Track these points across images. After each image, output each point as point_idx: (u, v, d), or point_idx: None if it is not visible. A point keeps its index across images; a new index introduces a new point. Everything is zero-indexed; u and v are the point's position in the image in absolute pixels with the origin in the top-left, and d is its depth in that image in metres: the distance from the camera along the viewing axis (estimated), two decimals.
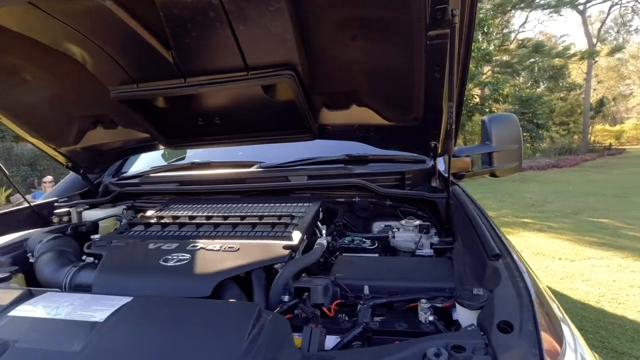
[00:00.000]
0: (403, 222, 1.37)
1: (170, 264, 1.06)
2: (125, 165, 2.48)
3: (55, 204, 1.97)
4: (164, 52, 1.26)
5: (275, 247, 1.13)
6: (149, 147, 2.01)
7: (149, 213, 1.60)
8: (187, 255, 1.10)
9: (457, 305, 0.79)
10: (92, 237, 1.43)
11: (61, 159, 1.95)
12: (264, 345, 0.68)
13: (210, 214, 1.51)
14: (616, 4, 21.44)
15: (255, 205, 1.62)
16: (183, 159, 2.70)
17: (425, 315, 0.84)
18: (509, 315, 0.66)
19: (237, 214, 1.50)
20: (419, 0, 0.99)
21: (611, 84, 31.16)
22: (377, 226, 1.69)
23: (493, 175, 2.24)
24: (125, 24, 1.15)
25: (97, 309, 0.83)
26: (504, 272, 0.80)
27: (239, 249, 1.13)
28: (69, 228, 1.50)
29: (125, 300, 0.86)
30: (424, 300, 0.88)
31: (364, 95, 1.42)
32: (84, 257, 1.21)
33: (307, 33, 1.18)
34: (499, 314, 0.67)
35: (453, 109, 1.21)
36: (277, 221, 1.36)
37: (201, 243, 1.20)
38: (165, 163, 2.61)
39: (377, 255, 1.30)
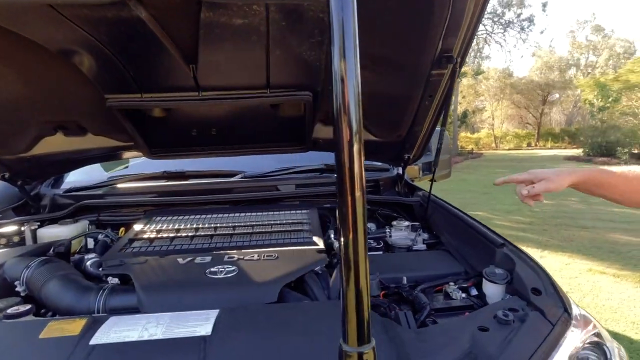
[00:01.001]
0: (394, 223, 1.61)
1: (221, 276, 1.09)
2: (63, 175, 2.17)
3: None
4: (184, 65, 1.24)
5: (310, 252, 1.24)
6: (113, 156, 1.86)
7: (139, 227, 1.50)
8: (232, 267, 1.13)
9: (486, 281, 1.05)
10: (86, 257, 1.31)
11: None
12: (376, 330, 0.83)
13: (215, 225, 1.51)
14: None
15: (251, 214, 1.66)
16: (127, 167, 2.49)
17: (459, 294, 1.09)
18: (535, 284, 0.95)
19: (242, 223, 1.54)
20: (432, 48, 1.24)
21: (470, 99, 37.86)
22: None
23: (432, 180, 2.70)
24: (152, 36, 1.11)
25: (193, 324, 0.85)
26: (514, 256, 1.09)
27: (278, 257, 1.21)
28: (52, 249, 1.33)
29: (213, 313, 0.89)
30: (452, 283, 1.13)
31: None
32: (109, 279, 1.12)
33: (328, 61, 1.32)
34: (529, 283, 0.95)
35: (444, 132, 1.50)
36: (289, 229, 1.46)
37: (233, 254, 1.23)
38: (106, 173, 2.37)
39: (381, 252, 1.52)
